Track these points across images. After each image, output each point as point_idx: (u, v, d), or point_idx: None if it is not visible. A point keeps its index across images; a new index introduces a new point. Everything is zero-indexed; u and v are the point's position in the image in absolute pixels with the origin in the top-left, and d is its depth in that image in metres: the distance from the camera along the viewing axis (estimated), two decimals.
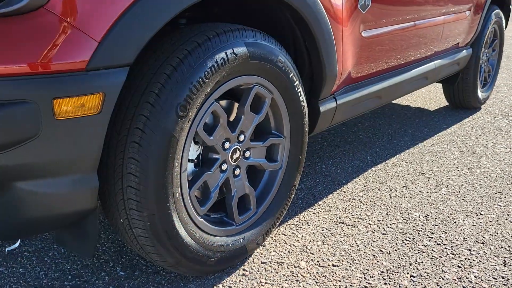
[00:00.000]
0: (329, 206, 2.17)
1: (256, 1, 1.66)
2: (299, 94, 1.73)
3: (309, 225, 2.00)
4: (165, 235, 1.37)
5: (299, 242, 1.86)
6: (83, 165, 1.18)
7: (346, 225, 2.01)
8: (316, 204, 2.18)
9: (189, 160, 1.48)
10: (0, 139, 1.05)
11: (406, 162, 2.73)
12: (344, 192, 2.32)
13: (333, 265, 1.72)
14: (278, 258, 1.75)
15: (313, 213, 2.10)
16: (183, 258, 1.46)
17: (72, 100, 1.10)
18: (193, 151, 1.52)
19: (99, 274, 1.63)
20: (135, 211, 1.31)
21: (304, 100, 1.77)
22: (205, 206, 1.52)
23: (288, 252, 1.80)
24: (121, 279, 1.60)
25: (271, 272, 1.67)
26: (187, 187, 1.44)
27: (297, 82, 1.70)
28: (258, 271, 1.67)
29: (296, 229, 1.96)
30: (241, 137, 1.60)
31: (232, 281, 1.62)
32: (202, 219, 1.51)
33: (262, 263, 1.73)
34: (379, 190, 2.36)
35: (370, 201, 2.23)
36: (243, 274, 1.66)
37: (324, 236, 1.91)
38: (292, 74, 1.67)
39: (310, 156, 2.76)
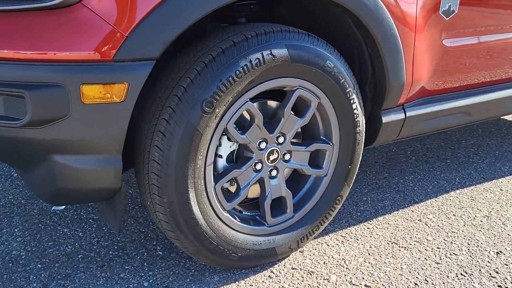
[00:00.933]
0: (388, 224, 2.04)
1: (312, 2, 1.62)
2: (351, 101, 1.65)
3: (357, 239, 1.91)
4: (184, 223, 1.44)
5: (339, 255, 1.79)
6: (108, 146, 1.30)
7: (399, 246, 1.87)
8: (374, 219, 2.07)
9: (218, 155, 1.52)
10: (37, 115, 1.21)
11: (501, 190, 2.43)
12: (412, 211, 2.16)
13: (365, 285, 1.63)
14: (310, 267, 1.71)
15: (368, 227, 2.00)
16: (203, 249, 1.51)
17: (99, 87, 1.22)
18: (226, 147, 1.55)
19: (140, 250, 1.76)
20: (157, 196, 1.40)
21: (359, 107, 1.69)
22: (232, 202, 1.55)
23: (324, 262, 1.74)
24: (156, 258, 1.72)
25: (298, 279, 1.64)
26: (212, 181, 1.48)
27: (349, 89, 1.63)
28: (285, 276, 1.66)
29: (342, 241, 1.88)
30: (281, 139, 1.60)
31: (256, 280, 1.63)
32: (227, 214, 1.55)
33: (292, 268, 1.70)
34: (454, 215, 2.14)
35: (438, 225, 2.04)
36: (269, 276, 1.65)
37: (368, 254, 1.81)
38: (343, 80, 1.60)
39: (391, 169, 2.61)
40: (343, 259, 1.77)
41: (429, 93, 1.98)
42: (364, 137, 1.78)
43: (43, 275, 1.62)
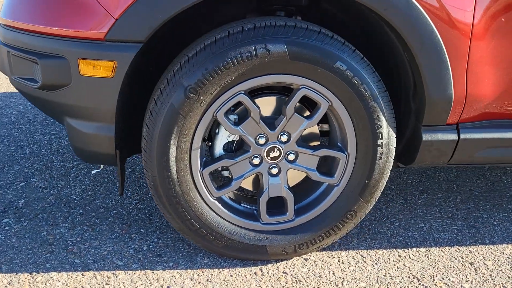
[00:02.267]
0: (427, 257, 1.78)
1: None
2: (371, 109, 1.50)
3: (376, 263, 1.72)
4: (165, 199, 1.53)
5: (341, 274, 1.66)
6: (102, 115, 1.47)
7: (419, 284, 1.63)
8: (414, 249, 1.83)
9: (206, 141, 1.54)
10: (47, 80, 1.44)
11: None
12: (470, 252, 1.84)
13: None
14: (302, 276, 1.63)
15: (398, 255, 1.78)
16: (185, 228, 1.58)
17: (92, 63, 1.39)
18: (223, 136, 1.58)
19: (162, 219, 1.92)
20: (144, 169, 1.52)
21: (384, 118, 1.52)
22: (221, 191, 1.57)
23: (320, 276, 1.64)
24: (169, 229, 1.85)
25: (281, 284, 1.59)
26: (199, 165, 1.53)
27: (368, 95, 1.48)
28: (270, 277, 1.62)
29: (357, 261, 1.73)
30: (284, 138, 1.55)
31: (240, 272, 1.63)
32: (215, 201, 1.58)
33: (283, 272, 1.65)
34: None
35: (490, 275, 1.71)
36: (255, 273, 1.64)
37: (376, 282, 1.63)
38: (361, 85, 1.46)
39: (481, 200, 2.23)
40: (343, 278, 1.63)
41: (501, 116, 1.64)
42: (391, 152, 1.59)
43: (78, 219, 1.90)
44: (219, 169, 1.61)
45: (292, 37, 1.41)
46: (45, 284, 1.52)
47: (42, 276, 1.56)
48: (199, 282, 1.57)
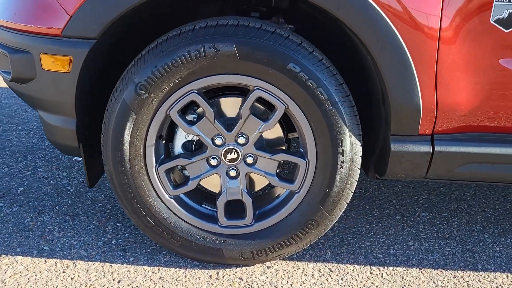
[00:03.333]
0: (402, 278, 1.66)
1: None
2: (329, 114, 1.43)
3: (342, 279, 1.63)
4: (121, 193, 1.55)
5: (300, 286, 1.58)
6: (65, 109, 1.52)
7: None
8: (390, 268, 1.71)
9: (160, 138, 1.54)
10: (16, 73, 1.52)
11: None
12: (454, 277, 1.68)
13: None
14: (257, 283, 1.58)
15: (370, 273, 1.67)
16: (142, 224, 1.59)
17: (51, 57, 1.45)
18: (181, 135, 1.57)
19: None
20: (103, 163, 1.55)
21: (344, 124, 1.43)
22: (177, 189, 1.57)
23: (275, 286, 1.58)
24: None
25: None
26: (154, 162, 1.53)
27: (326, 99, 1.41)
28: (224, 281, 1.59)
29: (322, 274, 1.65)
30: (241, 140, 1.52)
31: (195, 274, 1.61)
32: (171, 199, 1.57)
33: (239, 278, 1.61)
34: None
35: None
36: (210, 276, 1.61)
37: None
38: (317, 88, 1.40)
39: (493, 224, 2.04)
40: None
41: (483, 129, 1.49)
42: (356, 162, 1.50)
43: (64, 208, 1.98)
44: (179, 167, 1.61)
45: (242, 36, 1.38)
46: (9, 266, 1.61)
47: (9, 259, 1.64)
48: (151, 280, 1.58)
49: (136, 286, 1.54)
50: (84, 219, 1.92)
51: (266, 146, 1.59)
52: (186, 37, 1.39)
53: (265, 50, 1.37)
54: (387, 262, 1.73)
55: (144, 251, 1.72)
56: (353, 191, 1.56)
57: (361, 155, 1.51)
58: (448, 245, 1.86)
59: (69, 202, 2.04)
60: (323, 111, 1.43)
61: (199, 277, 1.60)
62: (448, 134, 1.49)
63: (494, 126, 1.47)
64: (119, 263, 1.65)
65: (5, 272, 1.57)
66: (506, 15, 1.33)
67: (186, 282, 1.58)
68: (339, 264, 1.70)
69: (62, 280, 1.55)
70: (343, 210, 1.59)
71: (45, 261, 1.64)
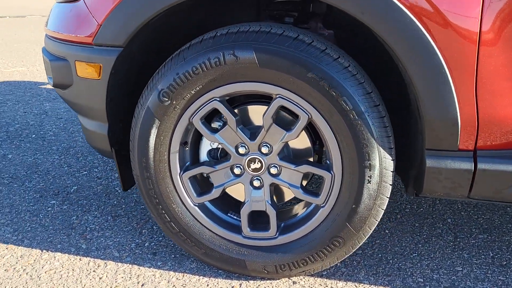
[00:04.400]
0: None
1: None
2: (355, 126, 1.33)
3: None
4: (148, 199, 1.57)
5: None
6: (98, 114, 1.58)
7: None
8: None
9: (184, 145, 1.53)
10: (56, 79, 1.61)
11: None
12: None
13: None
14: None
15: None
16: (167, 229, 1.60)
17: (84, 65, 1.51)
18: (207, 143, 1.55)
19: None
20: (132, 168, 1.59)
21: (372, 136, 1.34)
22: (201, 197, 1.55)
23: None
24: None
25: None
26: (178, 168, 1.53)
27: (351, 110, 1.32)
28: None
29: None
30: (265, 149, 1.47)
31: (216, 284, 1.59)
32: (195, 207, 1.56)
33: None
34: None
35: None
36: (232, 287, 1.58)
37: None
38: (341, 98, 1.31)
39: None
40: None
41: None
42: (386, 177, 1.39)
43: (108, 208, 2.07)
44: (205, 175, 1.60)
45: (262, 43, 1.33)
46: (47, 261, 1.70)
47: (48, 255, 1.74)
48: (173, 286, 1.58)
49: None
50: (124, 220, 1.98)
51: (294, 157, 1.52)
52: (207, 44, 1.38)
53: (285, 57, 1.32)
54: (427, 287, 1.58)
55: (173, 256, 1.73)
56: (384, 208, 1.44)
57: (392, 170, 1.40)
58: (503, 273, 1.66)
59: (115, 202, 2.12)
60: (347, 121, 1.34)
61: (220, 287, 1.57)
62: (494, 151, 1.33)
63: None
64: (147, 266, 1.67)
65: (42, 267, 1.66)
66: None
67: None
68: (372, 286, 1.59)
69: (90, 279, 1.60)
70: (373, 228, 1.48)
71: (80, 259, 1.72)
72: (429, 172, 1.37)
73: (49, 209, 2.06)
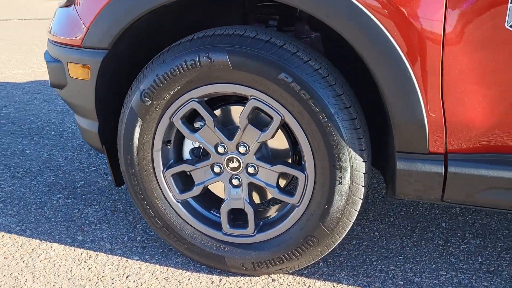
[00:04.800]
0: None
1: None
2: (325, 127, 1.36)
3: None
4: (134, 195, 1.64)
5: None
6: (88, 113, 1.67)
7: None
8: None
9: (166, 143, 1.59)
10: (53, 79, 1.71)
11: None
12: None
13: None
14: None
15: None
16: (152, 224, 1.67)
17: (75, 66, 1.60)
18: (189, 142, 1.61)
19: None
20: (120, 164, 1.66)
21: (342, 138, 1.36)
22: (183, 194, 1.61)
23: None
24: None
25: None
26: (161, 166, 1.60)
27: (318, 110, 1.34)
28: None
29: None
30: (242, 149, 1.51)
31: (197, 278, 1.64)
32: (178, 203, 1.62)
33: (238, 287, 1.60)
34: None
35: None
36: (212, 282, 1.63)
37: None
38: (310, 99, 1.34)
39: None
40: None
41: (508, 150, 1.29)
42: (357, 178, 1.40)
43: (109, 203, 2.16)
44: (188, 173, 1.65)
45: (235, 46, 1.37)
46: (43, 251, 1.80)
47: (46, 245, 1.84)
48: (156, 278, 1.64)
49: (141, 283, 1.62)
50: (122, 214, 2.06)
51: (273, 157, 1.56)
52: (184, 47, 1.43)
53: (256, 60, 1.35)
54: None
55: (161, 250, 1.80)
56: (357, 210, 1.46)
57: (365, 172, 1.41)
58: (489, 279, 1.63)
59: (116, 197, 2.21)
60: (317, 123, 1.36)
61: (201, 282, 1.63)
62: (465, 154, 1.32)
63: None
64: (135, 259, 1.75)
65: (38, 256, 1.77)
66: None
67: (187, 285, 1.61)
68: (350, 286, 1.60)
69: (80, 269, 1.69)
70: (348, 228, 1.49)
71: (74, 250, 1.81)
72: (400, 175, 1.38)
73: (54, 202, 2.18)
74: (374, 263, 1.73)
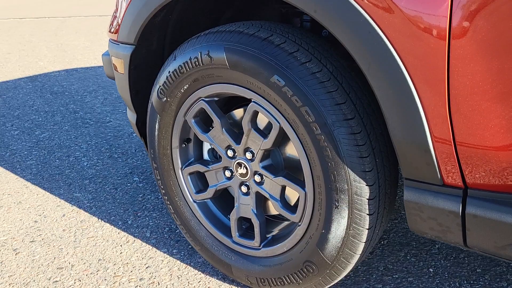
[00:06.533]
0: None
1: None
2: (318, 140, 1.17)
3: None
4: (161, 190, 1.66)
5: None
6: (129, 105, 1.73)
7: None
8: None
9: (185, 141, 1.54)
10: (107, 71, 1.82)
11: None
12: None
13: None
14: None
15: None
16: (174, 219, 1.67)
17: (114, 60, 1.67)
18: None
19: None
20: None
21: (335, 154, 1.16)
22: (199, 194, 1.56)
23: None
24: None
25: None
26: (179, 163, 1.57)
27: (312, 120, 1.17)
28: None
29: None
30: (249, 155, 1.40)
31: (208, 281, 1.59)
32: (194, 203, 1.58)
33: None
34: None
35: None
36: (219, 286, 1.56)
37: None
38: (302, 107, 1.17)
39: None
40: None
41: None
42: (358, 204, 1.18)
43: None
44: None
45: (233, 43, 1.26)
46: (95, 229, 1.95)
47: (99, 224, 1.99)
48: (170, 275, 1.64)
49: (154, 276, 1.64)
50: None
51: (285, 167, 1.41)
52: (191, 44, 1.38)
53: (251, 59, 1.23)
54: None
55: (190, 247, 1.79)
56: (362, 241, 1.23)
57: (370, 198, 1.18)
58: None
59: None
60: (310, 134, 1.18)
61: (209, 287, 1.57)
62: (489, 192, 1.00)
63: None
64: (163, 251, 1.78)
65: (88, 234, 1.92)
66: None
67: (195, 286, 1.58)
68: None
69: (113, 252, 1.79)
70: (354, 261, 1.27)
71: (118, 232, 1.92)
72: (408, 207, 1.11)
73: (128, 184, 2.35)
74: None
